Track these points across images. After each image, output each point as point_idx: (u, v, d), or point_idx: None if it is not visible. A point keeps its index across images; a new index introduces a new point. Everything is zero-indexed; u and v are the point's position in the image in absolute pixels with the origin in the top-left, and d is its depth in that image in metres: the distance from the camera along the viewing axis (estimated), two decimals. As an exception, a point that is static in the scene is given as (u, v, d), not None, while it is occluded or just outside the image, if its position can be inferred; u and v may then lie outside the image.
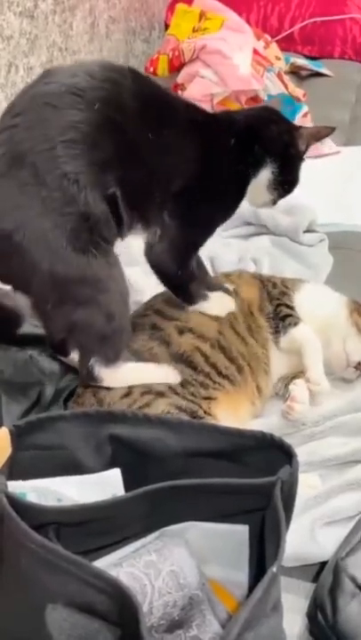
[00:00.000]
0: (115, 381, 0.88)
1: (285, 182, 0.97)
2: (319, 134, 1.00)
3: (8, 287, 0.86)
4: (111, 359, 0.86)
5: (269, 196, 0.98)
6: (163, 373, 0.90)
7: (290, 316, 1.00)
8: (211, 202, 0.92)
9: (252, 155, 0.94)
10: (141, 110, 0.83)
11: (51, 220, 0.78)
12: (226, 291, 1.02)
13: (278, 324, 0.99)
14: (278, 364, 1.00)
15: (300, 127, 0.99)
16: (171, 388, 0.88)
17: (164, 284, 0.97)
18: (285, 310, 1.00)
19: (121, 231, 0.86)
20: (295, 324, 0.99)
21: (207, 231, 0.96)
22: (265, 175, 0.95)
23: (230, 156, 0.93)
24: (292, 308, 1.01)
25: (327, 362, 1.02)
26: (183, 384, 0.89)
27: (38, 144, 0.77)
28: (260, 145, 0.94)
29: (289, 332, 0.98)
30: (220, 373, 0.92)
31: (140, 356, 0.91)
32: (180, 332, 0.95)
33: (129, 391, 0.87)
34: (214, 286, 1.02)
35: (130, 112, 0.82)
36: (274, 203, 1.01)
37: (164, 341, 0.93)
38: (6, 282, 0.85)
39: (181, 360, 0.91)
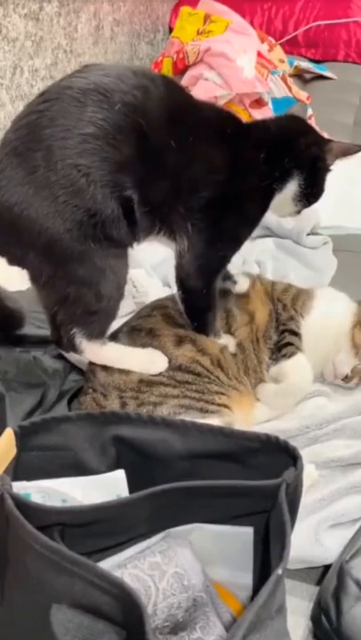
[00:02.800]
0: (95, 356, 0.89)
1: (311, 194, 0.96)
2: (348, 151, 0.96)
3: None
4: (94, 334, 0.88)
5: (294, 207, 0.97)
6: (147, 359, 0.90)
7: (290, 345, 0.99)
8: (235, 217, 0.91)
9: (281, 168, 0.92)
10: (168, 120, 0.84)
11: (54, 205, 0.79)
12: (233, 281, 1.01)
13: (275, 352, 0.99)
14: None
15: (330, 141, 0.97)
16: (166, 395, 0.87)
17: (186, 307, 0.95)
18: (288, 338, 0.99)
19: (135, 235, 0.86)
20: (291, 355, 0.98)
21: (232, 246, 0.95)
22: (292, 187, 0.94)
23: (258, 170, 0.92)
24: (297, 334, 1.00)
25: (322, 365, 1.02)
26: (182, 385, 0.88)
27: (58, 132, 0.79)
28: (289, 158, 0.92)
29: (281, 362, 0.97)
30: (222, 383, 0.92)
31: None
32: (179, 342, 0.93)
33: (124, 403, 0.87)
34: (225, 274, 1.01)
35: (156, 120, 0.83)
36: (298, 213, 1.00)
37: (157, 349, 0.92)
38: (2, 254, 0.86)
39: (180, 370, 0.90)
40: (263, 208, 0.95)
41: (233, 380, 0.93)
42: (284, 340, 0.99)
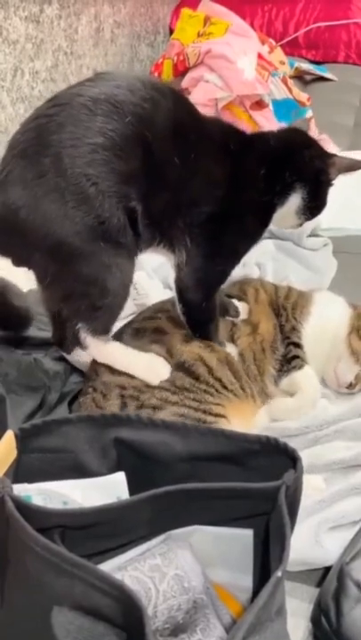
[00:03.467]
0: (99, 353, 0.90)
1: (314, 207, 0.96)
2: (351, 167, 0.96)
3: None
4: (99, 330, 0.88)
5: (297, 220, 0.97)
6: (150, 365, 0.90)
7: (297, 357, 0.99)
8: (234, 232, 0.91)
9: (282, 183, 0.92)
10: (173, 134, 0.84)
11: (63, 209, 0.80)
12: (235, 309, 1.01)
13: (284, 365, 0.99)
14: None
15: (334, 155, 0.97)
16: (166, 400, 0.87)
17: (187, 318, 0.95)
18: (294, 351, 1.00)
19: (138, 245, 0.87)
20: (300, 367, 0.99)
21: (231, 261, 0.95)
22: (295, 201, 0.94)
23: (259, 186, 0.92)
24: (300, 346, 1.01)
25: (324, 374, 1.02)
26: (181, 392, 0.88)
27: (66, 139, 0.79)
28: (291, 172, 0.92)
29: (292, 374, 0.98)
30: (224, 387, 0.92)
31: None
32: (187, 340, 0.94)
33: (124, 403, 0.87)
34: (228, 304, 1.01)
35: (161, 133, 0.83)
36: (300, 225, 1.00)
37: (165, 347, 0.92)
38: (7, 254, 0.87)
39: (182, 369, 0.90)
40: (264, 223, 0.95)
41: (236, 384, 0.93)
42: (291, 353, 0.99)
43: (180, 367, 0.90)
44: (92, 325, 0.87)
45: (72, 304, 0.86)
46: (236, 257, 0.96)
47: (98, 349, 0.89)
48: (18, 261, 0.86)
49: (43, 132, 0.80)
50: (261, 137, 0.98)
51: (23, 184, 0.80)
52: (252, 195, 0.92)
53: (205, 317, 0.95)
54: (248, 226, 0.94)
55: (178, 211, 0.87)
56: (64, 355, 0.97)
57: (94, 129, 0.80)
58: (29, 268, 0.86)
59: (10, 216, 0.81)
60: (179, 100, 0.88)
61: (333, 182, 0.97)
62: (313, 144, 0.98)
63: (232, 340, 0.98)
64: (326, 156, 0.96)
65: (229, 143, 0.91)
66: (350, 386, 1.01)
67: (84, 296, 0.84)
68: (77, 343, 0.89)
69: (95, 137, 0.79)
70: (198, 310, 0.94)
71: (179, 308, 0.95)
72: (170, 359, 0.91)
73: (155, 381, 0.88)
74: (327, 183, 0.96)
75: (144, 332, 0.95)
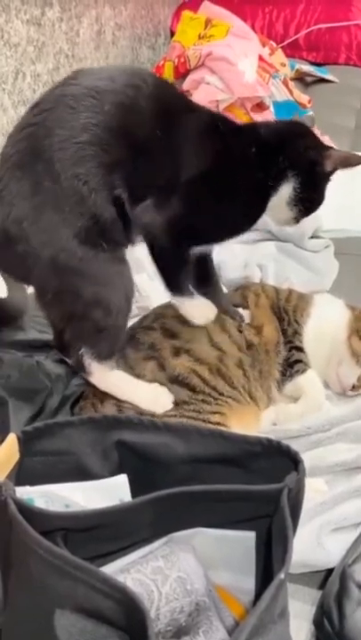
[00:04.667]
0: (101, 381, 0.88)
1: (307, 200, 0.94)
2: (348, 161, 0.94)
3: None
4: (103, 354, 0.86)
5: (290, 213, 0.95)
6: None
7: (300, 362, 0.99)
8: (224, 198, 0.89)
9: (276, 165, 0.91)
10: (156, 112, 0.84)
11: (61, 215, 0.79)
12: (238, 314, 1.01)
13: (287, 369, 0.99)
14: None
15: (331, 148, 0.96)
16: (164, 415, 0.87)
17: (157, 266, 0.91)
18: (297, 355, 1.00)
19: (129, 234, 0.86)
20: (303, 371, 0.99)
21: (213, 227, 0.92)
22: (286, 191, 0.92)
23: (250, 159, 0.90)
24: (302, 350, 1.01)
25: (325, 376, 1.02)
26: (179, 406, 0.88)
27: (55, 143, 0.79)
28: (282, 157, 0.91)
29: (296, 379, 0.98)
30: (221, 394, 0.91)
31: (132, 372, 0.91)
32: (176, 352, 0.93)
33: (121, 408, 0.88)
34: (230, 311, 1.01)
35: (144, 114, 0.83)
36: (296, 221, 0.98)
37: (159, 364, 0.92)
38: (9, 271, 0.87)
39: (177, 382, 0.90)
40: (259, 205, 0.93)
41: (235, 390, 0.93)
42: (293, 358, 0.99)
43: (175, 381, 0.90)
44: (97, 349, 0.86)
45: (75, 326, 0.85)
46: (219, 227, 0.92)
47: (102, 378, 0.88)
48: (19, 277, 0.86)
49: (34, 140, 0.80)
50: (252, 124, 0.98)
51: (22, 196, 0.80)
52: (243, 167, 0.91)
53: (174, 264, 0.91)
54: (240, 200, 0.91)
55: (160, 173, 0.85)
56: (65, 359, 0.97)
57: (79, 127, 0.79)
58: (30, 284, 0.86)
59: (10, 230, 0.80)
60: (161, 84, 0.88)
61: (331, 177, 0.95)
62: (309, 135, 0.97)
63: (245, 340, 0.98)
64: (322, 148, 0.95)
65: (217, 122, 0.91)
66: (354, 388, 1.01)
67: (86, 317, 0.83)
68: (82, 369, 0.88)
69: (81, 135, 0.79)
70: (166, 256, 0.90)
71: (149, 252, 0.90)
72: (163, 373, 0.91)
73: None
74: (323, 176, 0.94)
75: (142, 346, 0.94)
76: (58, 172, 0.79)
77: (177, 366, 0.91)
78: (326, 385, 1.04)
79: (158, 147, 0.84)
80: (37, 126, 0.80)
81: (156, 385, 0.90)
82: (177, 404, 0.89)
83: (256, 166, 0.91)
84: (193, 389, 0.90)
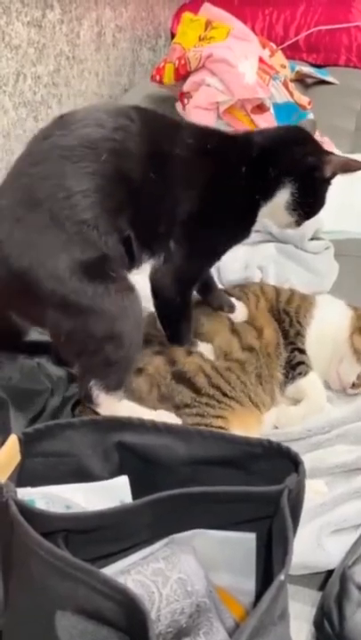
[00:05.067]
0: (109, 412, 0.88)
1: (307, 204, 0.95)
2: (348, 166, 0.94)
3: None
4: (112, 387, 0.86)
5: (290, 217, 0.96)
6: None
7: (302, 363, 0.99)
8: (215, 229, 0.91)
9: (266, 178, 0.92)
10: (146, 154, 0.85)
11: (69, 259, 0.80)
12: (230, 305, 1.01)
13: (289, 371, 0.99)
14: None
15: (331, 153, 0.97)
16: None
17: (159, 315, 0.96)
18: (299, 357, 1.00)
19: (133, 264, 0.88)
20: (305, 373, 0.99)
21: (209, 259, 0.96)
22: (283, 196, 0.93)
23: (239, 182, 0.91)
24: (304, 352, 1.01)
25: (327, 377, 1.02)
26: (182, 409, 0.89)
27: (55, 193, 0.80)
28: (275, 167, 0.92)
29: (298, 381, 0.98)
30: (225, 395, 0.92)
31: (139, 373, 0.91)
32: (189, 353, 0.94)
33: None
34: (223, 300, 1.02)
35: (136, 158, 0.84)
36: (298, 224, 0.99)
37: (168, 359, 0.93)
38: (23, 317, 0.88)
39: (184, 380, 0.91)
40: (247, 220, 0.95)
41: (239, 393, 0.93)
42: (295, 360, 1.00)
43: (181, 379, 0.91)
44: (106, 381, 0.86)
45: (86, 360, 0.85)
46: (215, 254, 0.96)
47: (110, 409, 0.88)
48: (34, 322, 0.88)
49: (29, 192, 0.81)
50: (246, 135, 0.97)
51: (23, 246, 0.80)
52: (231, 193, 0.92)
53: (178, 315, 0.95)
54: (228, 224, 0.93)
55: (159, 218, 0.88)
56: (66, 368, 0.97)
57: (77, 176, 0.81)
58: (44, 327, 0.87)
59: (18, 281, 0.81)
60: (147, 118, 0.88)
61: (331, 181, 0.96)
62: (308, 141, 0.97)
63: (240, 343, 0.98)
64: (322, 154, 0.95)
65: (206, 143, 0.91)
66: (353, 386, 1.02)
67: (98, 351, 0.83)
68: (89, 400, 0.88)
69: (81, 183, 0.80)
70: (172, 307, 0.95)
71: (154, 305, 0.95)
72: (171, 368, 0.92)
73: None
74: (322, 181, 0.95)
75: (151, 341, 0.95)
76: (62, 220, 0.79)
77: (187, 363, 0.92)
78: (327, 386, 1.04)
79: (154, 189, 0.86)
80: (31, 178, 0.81)
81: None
82: (180, 406, 0.89)
83: (245, 186, 0.92)
84: (197, 391, 0.90)
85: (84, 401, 0.90)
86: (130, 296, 0.84)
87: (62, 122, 0.86)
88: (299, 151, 0.93)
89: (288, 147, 0.94)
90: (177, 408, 0.89)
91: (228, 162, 0.92)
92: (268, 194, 0.93)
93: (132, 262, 0.88)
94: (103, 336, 0.83)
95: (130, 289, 0.84)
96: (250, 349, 0.98)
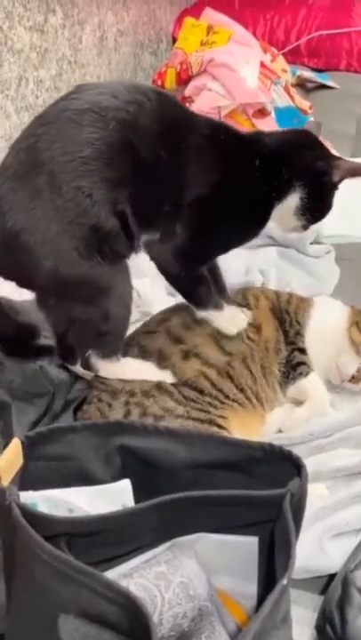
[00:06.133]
0: (110, 373, 0.91)
1: (315, 209, 0.94)
2: (357, 171, 0.94)
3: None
4: (107, 354, 0.90)
5: (298, 221, 0.96)
6: (158, 372, 0.91)
7: (303, 364, 0.99)
8: (225, 219, 0.91)
9: (279, 178, 0.91)
10: (159, 132, 0.84)
11: (60, 226, 0.80)
12: (217, 306, 1.00)
13: (290, 371, 0.99)
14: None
15: (339, 158, 0.96)
16: (170, 410, 0.88)
17: (175, 288, 0.96)
18: (299, 357, 1.00)
19: (133, 245, 0.87)
20: (306, 373, 0.99)
21: (217, 245, 0.94)
22: (293, 201, 0.92)
23: (253, 175, 0.91)
24: (304, 351, 1.01)
25: (327, 375, 1.02)
26: (187, 404, 0.89)
27: (58, 155, 0.80)
28: (287, 169, 0.91)
29: (299, 381, 0.98)
30: (227, 397, 0.92)
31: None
32: (185, 356, 0.94)
33: (128, 411, 0.88)
34: (216, 297, 1.01)
35: (147, 133, 0.84)
36: (304, 228, 0.98)
37: (167, 370, 0.93)
38: (11, 278, 0.87)
39: (186, 385, 0.91)
40: (261, 218, 0.94)
41: (241, 394, 0.93)
42: (295, 360, 1.00)
43: (184, 384, 0.91)
44: (101, 350, 0.89)
45: (77, 330, 0.88)
46: (222, 243, 0.94)
47: (108, 370, 0.91)
48: (20, 284, 0.87)
49: (34, 152, 0.81)
50: (256, 134, 0.97)
51: (20, 206, 0.80)
52: (246, 181, 0.91)
53: (190, 283, 0.94)
54: (243, 214, 0.92)
55: (165, 197, 0.87)
56: (68, 366, 0.98)
57: (82, 141, 0.80)
58: (32, 290, 0.87)
59: (10, 240, 0.81)
60: (163, 100, 0.88)
61: (339, 186, 0.95)
62: (317, 145, 0.96)
63: (246, 336, 0.99)
64: (330, 159, 0.95)
65: (220, 135, 0.91)
66: (353, 379, 1.02)
67: (87, 323, 0.85)
68: (88, 367, 0.91)
69: (84, 149, 0.80)
70: (180, 279, 0.94)
71: (166, 280, 0.95)
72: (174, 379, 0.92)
73: (169, 379, 0.91)
74: (331, 186, 0.94)
75: (149, 354, 0.95)
76: (59, 183, 0.79)
77: (187, 371, 0.92)
78: (328, 388, 1.04)
79: (162, 168, 0.85)
80: (38, 138, 0.81)
81: (165, 372, 0.92)
82: (185, 399, 0.89)
83: (260, 179, 0.91)
84: (201, 392, 0.91)
85: (84, 368, 0.92)
86: (119, 275, 0.84)
87: (79, 87, 0.87)
88: (309, 155, 0.93)
89: (298, 150, 0.93)
90: (183, 399, 0.90)
91: (243, 153, 0.91)
92: (280, 195, 0.92)
93: (132, 242, 0.86)
94: (89, 305, 0.84)
95: (121, 270, 0.85)
96: (251, 341, 0.98)
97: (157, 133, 0.84)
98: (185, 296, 0.96)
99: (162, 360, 0.94)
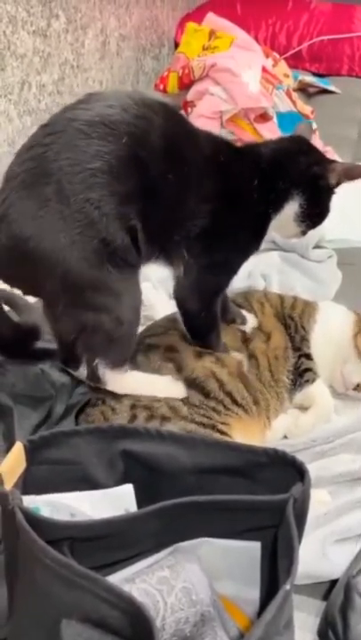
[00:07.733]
0: (117, 386, 0.90)
1: (314, 214, 0.95)
2: (352, 172, 0.94)
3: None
4: (116, 363, 0.88)
5: (298, 228, 0.96)
6: (166, 386, 0.91)
7: (309, 370, 1.00)
8: (228, 245, 0.92)
9: (276, 191, 0.92)
10: (166, 151, 0.85)
11: (70, 237, 0.80)
12: (242, 317, 1.02)
13: (297, 378, 0.99)
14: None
15: (334, 161, 0.97)
16: (176, 411, 0.88)
17: (187, 328, 0.96)
18: (306, 363, 1.00)
19: (141, 260, 0.88)
20: (313, 380, 0.99)
21: (227, 272, 0.95)
22: (292, 208, 0.93)
23: (251, 197, 0.92)
24: (310, 357, 1.01)
25: (331, 381, 1.03)
26: (190, 408, 0.89)
27: (66, 166, 0.79)
28: (285, 180, 0.92)
29: (306, 388, 0.99)
30: (234, 402, 0.92)
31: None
32: (199, 354, 0.94)
33: (134, 414, 0.88)
34: (235, 313, 1.02)
35: (155, 151, 0.84)
36: (304, 234, 0.99)
37: (176, 365, 0.93)
38: (18, 285, 0.87)
39: (193, 385, 0.91)
40: (258, 234, 0.95)
41: (248, 398, 0.93)
42: (303, 366, 1.00)
43: (191, 384, 0.91)
44: (110, 359, 0.87)
45: (86, 338, 0.86)
46: (231, 268, 0.96)
47: (118, 383, 0.89)
48: (27, 291, 0.87)
49: (41, 162, 0.80)
50: (253, 148, 0.98)
51: (28, 215, 0.80)
52: (244, 207, 0.92)
53: (206, 326, 0.96)
54: (241, 238, 0.94)
55: (174, 225, 0.88)
56: (69, 371, 0.98)
57: (91, 153, 0.80)
58: (39, 298, 0.87)
59: (17, 248, 0.81)
60: (170, 116, 0.88)
61: (336, 189, 0.96)
62: (311, 150, 0.97)
63: (246, 346, 0.99)
64: (325, 162, 0.95)
65: (219, 156, 0.91)
66: (358, 387, 1.02)
67: (98, 328, 0.84)
68: (96, 380, 0.89)
69: (93, 161, 0.80)
70: (198, 320, 0.95)
71: (179, 318, 0.96)
72: (180, 375, 0.92)
73: (180, 395, 0.90)
74: (328, 189, 0.95)
75: (156, 348, 0.95)
76: (67, 194, 0.79)
77: (196, 368, 0.92)
78: (332, 393, 1.04)
79: (169, 189, 0.85)
80: (47, 147, 0.81)
81: (168, 377, 0.91)
82: (189, 403, 0.89)
83: (258, 199, 0.92)
84: (207, 395, 0.90)
85: (91, 381, 0.90)
86: (129, 282, 0.84)
87: (89, 97, 0.86)
88: (304, 161, 0.93)
89: (293, 158, 0.94)
90: (188, 403, 0.89)
91: (241, 176, 0.92)
92: (277, 207, 0.93)
93: (140, 257, 0.86)
94: (100, 311, 0.83)
95: (131, 278, 0.84)
96: (260, 348, 0.98)
97: (164, 152, 0.84)
98: (198, 340, 0.96)
99: (170, 353, 0.94)
